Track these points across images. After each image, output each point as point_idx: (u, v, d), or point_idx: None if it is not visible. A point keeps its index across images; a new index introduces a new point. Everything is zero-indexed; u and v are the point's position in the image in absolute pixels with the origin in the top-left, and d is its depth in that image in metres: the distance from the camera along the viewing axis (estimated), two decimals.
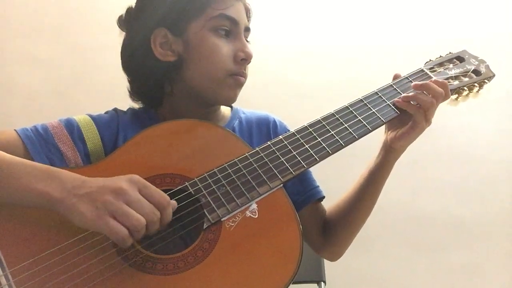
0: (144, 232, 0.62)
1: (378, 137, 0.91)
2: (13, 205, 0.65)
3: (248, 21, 0.90)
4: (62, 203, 0.61)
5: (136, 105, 0.93)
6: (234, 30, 0.85)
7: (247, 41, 0.89)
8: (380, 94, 0.86)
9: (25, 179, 0.63)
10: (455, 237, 1.92)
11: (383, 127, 0.89)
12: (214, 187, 0.72)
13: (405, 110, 0.85)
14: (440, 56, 0.97)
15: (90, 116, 0.86)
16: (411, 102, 0.84)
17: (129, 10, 0.89)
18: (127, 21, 0.89)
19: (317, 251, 0.98)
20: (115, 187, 0.61)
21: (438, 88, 0.83)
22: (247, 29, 0.89)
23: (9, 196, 0.64)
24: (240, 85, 0.87)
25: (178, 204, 0.68)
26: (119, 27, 0.90)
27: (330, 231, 0.95)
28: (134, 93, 0.91)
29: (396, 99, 0.85)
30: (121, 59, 0.90)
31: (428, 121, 0.84)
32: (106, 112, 0.90)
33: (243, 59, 0.85)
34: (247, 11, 0.91)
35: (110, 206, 0.60)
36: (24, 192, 0.63)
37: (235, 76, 0.85)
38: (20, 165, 0.65)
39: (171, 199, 0.69)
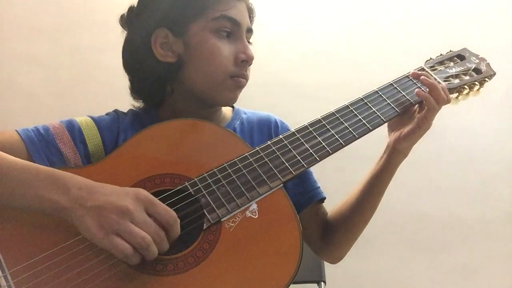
0: (156, 250, 0.62)
1: (378, 137, 0.90)
2: (16, 208, 0.65)
3: (251, 21, 0.90)
4: (68, 212, 0.61)
5: (136, 104, 0.93)
6: (236, 31, 0.85)
7: (249, 42, 0.88)
8: (380, 93, 0.86)
9: (30, 185, 0.63)
10: (455, 237, 1.92)
11: (386, 129, 0.89)
12: (214, 187, 0.72)
13: (406, 110, 0.85)
14: (441, 55, 0.97)
15: (91, 117, 0.86)
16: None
17: (131, 9, 0.88)
18: (128, 20, 0.88)
19: (317, 253, 0.98)
20: (121, 206, 0.61)
21: (442, 94, 0.84)
22: (249, 30, 0.89)
23: (13, 201, 0.64)
24: (240, 87, 0.87)
25: (177, 205, 0.68)
26: (121, 25, 0.89)
27: (331, 233, 0.95)
28: (135, 92, 0.91)
29: (417, 90, 0.85)
30: (122, 58, 0.90)
31: (429, 122, 0.84)
32: (107, 114, 0.90)
33: (244, 61, 0.84)
34: (250, 12, 0.90)
35: (116, 225, 0.60)
36: (29, 198, 0.63)
37: (235, 78, 0.85)
38: (24, 169, 0.65)
39: (170, 199, 0.69)
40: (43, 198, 0.62)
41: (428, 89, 0.84)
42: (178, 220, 0.64)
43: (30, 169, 0.65)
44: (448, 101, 0.85)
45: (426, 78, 0.85)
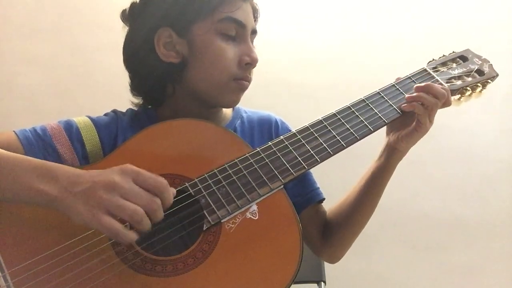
0: (149, 222, 0.60)
1: (378, 137, 0.90)
2: (10, 202, 0.64)
3: (255, 22, 0.89)
4: (60, 202, 0.60)
5: (135, 100, 0.92)
6: (241, 33, 0.84)
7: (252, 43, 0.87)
8: (382, 94, 0.86)
9: (22, 176, 0.62)
10: (455, 237, 1.92)
11: (384, 128, 0.89)
12: (214, 188, 0.72)
13: (408, 111, 0.85)
14: (443, 56, 0.96)
15: (90, 118, 0.85)
16: (416, 103, 0.83)
17: (133, 5, 0.87)
18: (131, 17, 0.87)
19: (317, 253, 0.98)
20: (107, 181, 0.59)
21: (439, 89, 0.83)
22: (254, 32, 0.88)
23: (5, 193, 0.63)
24: (243, 89, 0.86)
25: (178, 205, 0.68)
26: (122, 21, 0.88)
27: (330, 233, 0.95)
28: (135, 89, 0.90)
29: (403, 104, 0.84)
30: (123, 55, 0.89)
31: (431, 122, 0.84)
32: (105, 114, 0.90)
33: (248, 64, 0.84)
34: (255, 12, 0.89)
35: (104, 202, 0.58)
36: (20, 189, 0.62)
37: (239, 81, 0.84)
38: (14, 162, 0.64)
39: None
40: (33, 189, 0.61)
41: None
42: (169, 187, 0.63)
43: (20, 162, 0.64)
44: (435, 103, 0.83)
45: (418, 85, 0.84)
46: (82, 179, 0.61)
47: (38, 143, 0.77)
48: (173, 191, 0.64)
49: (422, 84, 0.84)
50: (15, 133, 0.77)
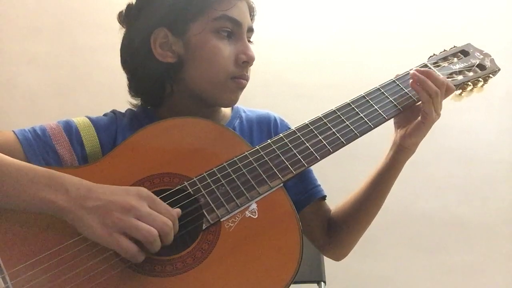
0: (160, 243, 0.62)
1: (379, 135, 0.90)
2: (15, 209, 0.64)
3: (251, 20, 0.88)
4: (69, 213, 0.61)
5: (134, 101, 0.92)
6: (237, 31, 0.84)
7: (249, 41, 0.87)
8: (382, 90, 0.85)
9: (27, 186, 0.63)
10: (455, 237, 1.91)
11: (388, 127, 0.89)
12: (213, 186, 0.71)
13: (409, 107, 0.84)
14: (444, 50, 0.95)
15: (89, 118, 0.85)
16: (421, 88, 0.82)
17: (129, 6, 0.87)
18: (127, 18, 0.87)
19: (322, 251, 0.97)
20: (124, 203, 0.61)
21: (439, 77, 0.82)
22: (250, 30, 0.87)
23: (10, 202, 0.63)
24: (241, 88, 0.86)
25: (177, 205, 0.68)
26: (119, 23, 0.88)
27: (336, 231, 0.94)
28: (133, 90, 0.90)
29: (410, 81, 0.83)
30: (121, 56, 0.89)
31: (437, 113, 0.83)
32: (104, 114, 0.89)
33: (245, 62, 0.84)
34: (251, 10, 0.89)
35: (121, 223, 0.60)
36: (26, 199, 0.62)
37: (236, 79, 0.84)
38: (21, 170, 0.64)
39: (170, 199, 0.69)
40: (41, 199, 0.62)
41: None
42: (177, 219, 0.65)
43: (27, 170, 0.65)
44: (449, 90, 0.84)
45: (415, 73, 0.83)
46: (94, 194, 0.62)
47: (38, 144, 0.77)
48: (178, 212, 0.66)
49: (421, 69, 0.83)
50: (15, 133, 0.77)
